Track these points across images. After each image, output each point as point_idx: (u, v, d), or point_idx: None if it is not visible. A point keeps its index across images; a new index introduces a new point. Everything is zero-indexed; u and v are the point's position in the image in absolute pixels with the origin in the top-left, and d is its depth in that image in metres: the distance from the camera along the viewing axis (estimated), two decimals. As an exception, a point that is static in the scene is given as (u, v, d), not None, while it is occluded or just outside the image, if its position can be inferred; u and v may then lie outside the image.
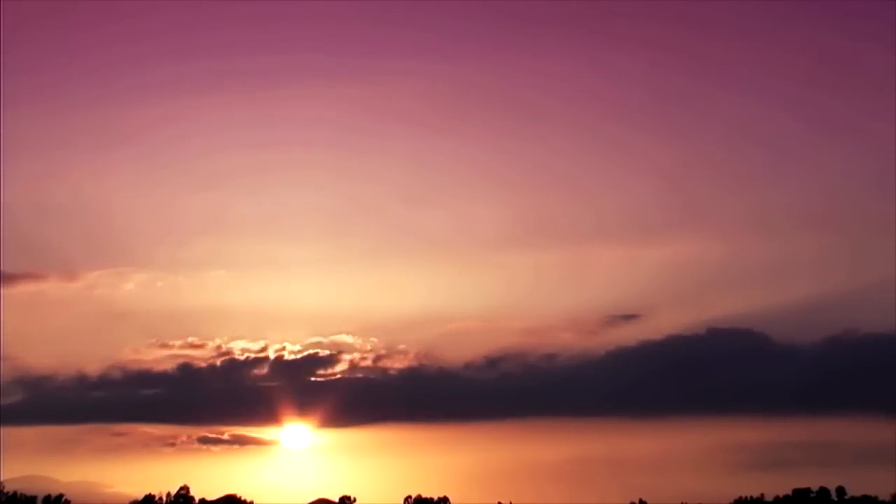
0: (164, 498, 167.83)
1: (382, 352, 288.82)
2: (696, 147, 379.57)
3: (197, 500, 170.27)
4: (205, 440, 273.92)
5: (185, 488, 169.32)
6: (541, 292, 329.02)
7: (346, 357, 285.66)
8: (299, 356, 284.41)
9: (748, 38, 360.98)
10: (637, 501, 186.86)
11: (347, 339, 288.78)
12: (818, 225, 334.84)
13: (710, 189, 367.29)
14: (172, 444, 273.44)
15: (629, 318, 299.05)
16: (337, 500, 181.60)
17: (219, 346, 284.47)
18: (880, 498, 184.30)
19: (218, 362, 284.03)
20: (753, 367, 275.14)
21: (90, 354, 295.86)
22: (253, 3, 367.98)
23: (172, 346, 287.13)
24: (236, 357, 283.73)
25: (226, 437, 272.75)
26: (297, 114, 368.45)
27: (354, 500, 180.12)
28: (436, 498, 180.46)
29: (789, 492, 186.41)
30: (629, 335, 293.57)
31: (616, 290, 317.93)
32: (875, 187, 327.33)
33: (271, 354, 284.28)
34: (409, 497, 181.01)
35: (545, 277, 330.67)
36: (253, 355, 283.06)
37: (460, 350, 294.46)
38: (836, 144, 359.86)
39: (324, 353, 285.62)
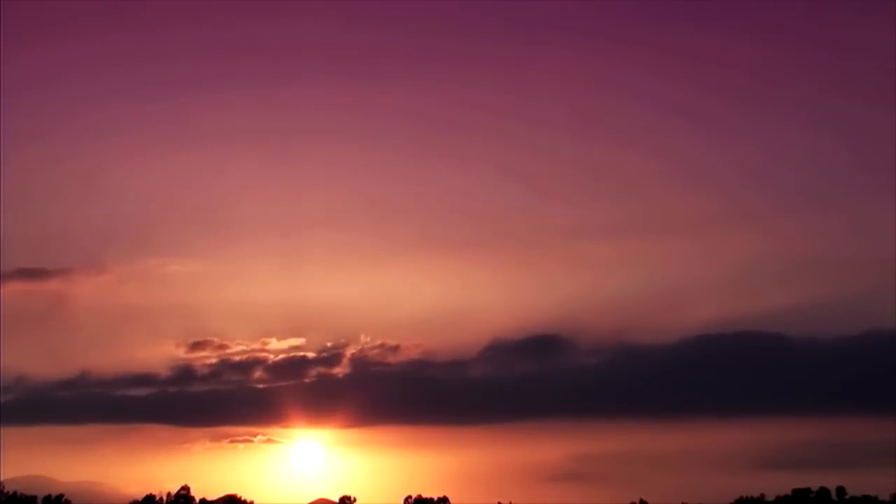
0: (165, 498, 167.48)
1: (386, 351, 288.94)
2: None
3: (197, 500, 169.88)
4: (206, 440, 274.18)
5: (185, 488, 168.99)
6: (550, 292, 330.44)
7: (348, 357, 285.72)
8: (299, 356, 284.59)
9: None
10: (637, 501, 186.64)
11: (350, 338, 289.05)
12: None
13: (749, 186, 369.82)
14: (173, 444, 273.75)
15: (638, 319, 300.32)
16: (337, 500, 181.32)
17: (221, 345, 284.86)
18: (880, 498, 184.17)
19: (219, 362, 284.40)
20: (755, 368, 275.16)
21: (94, 354, 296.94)
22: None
23: (174, 345, 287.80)
24: (237, 357, 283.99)
25: (227, 437, 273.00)
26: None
27: (354, 500, 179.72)
28: (436, 498, 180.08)
29: (789, 492, 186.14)
30: (637, 337, 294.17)
31: (627, 292, 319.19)
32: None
33: (272, 355, 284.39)
34: (409, 497, 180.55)
35: (557, 275, 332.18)
36: (253, 355, 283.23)
37: (464, 349, 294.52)
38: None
39: (325, 353, 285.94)
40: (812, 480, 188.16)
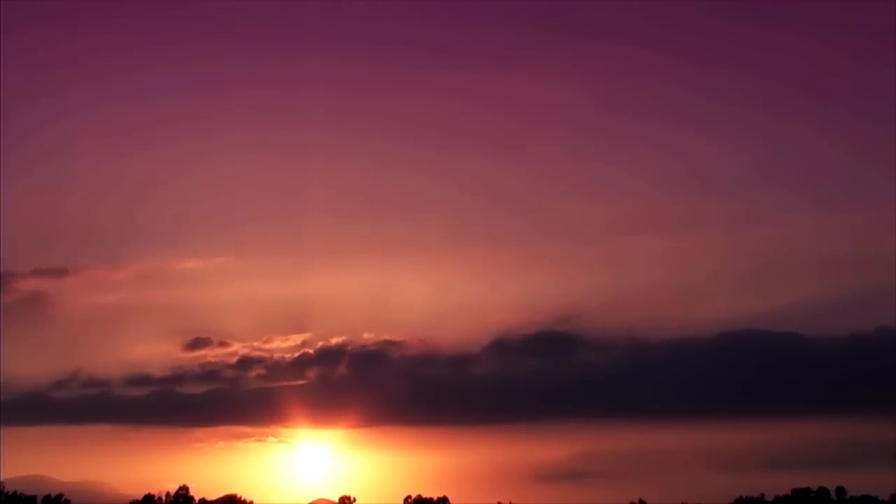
0: (164, 498, 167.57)
1: (389, 348, 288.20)
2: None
3: (197, 499, 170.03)
4: (206, 440, 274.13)
5: (184, 488, 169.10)
6: (557, 288, 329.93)
7: (350, 354, 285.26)
8: (299, 356, 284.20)
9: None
10: (637, 501, 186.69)
11: (352, 335, 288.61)
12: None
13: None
14: (173, 444, 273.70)
15: (649, 316, 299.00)
16: (336, 500, 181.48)
17: (221, 344, 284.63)
18: (880, 498, 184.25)
19: (219, 360, 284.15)
20: (763, 367, 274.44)
21: (93, 353, 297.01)
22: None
23: (174, 344, 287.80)
24: (237, 356, 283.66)
25: (227, 436, 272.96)
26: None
27: (354, 500, 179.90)
28: (436, 498, 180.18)
29: (789, 492, 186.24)
30: (647, 334, 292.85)
31: (638, 289, 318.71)
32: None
33: (273, 353, 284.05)
34: (409, 497, 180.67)
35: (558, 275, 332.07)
36: (254, 354, 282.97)
37: (468, 345, 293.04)
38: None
39: (325, 352, 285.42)
40: (812, 480, 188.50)
